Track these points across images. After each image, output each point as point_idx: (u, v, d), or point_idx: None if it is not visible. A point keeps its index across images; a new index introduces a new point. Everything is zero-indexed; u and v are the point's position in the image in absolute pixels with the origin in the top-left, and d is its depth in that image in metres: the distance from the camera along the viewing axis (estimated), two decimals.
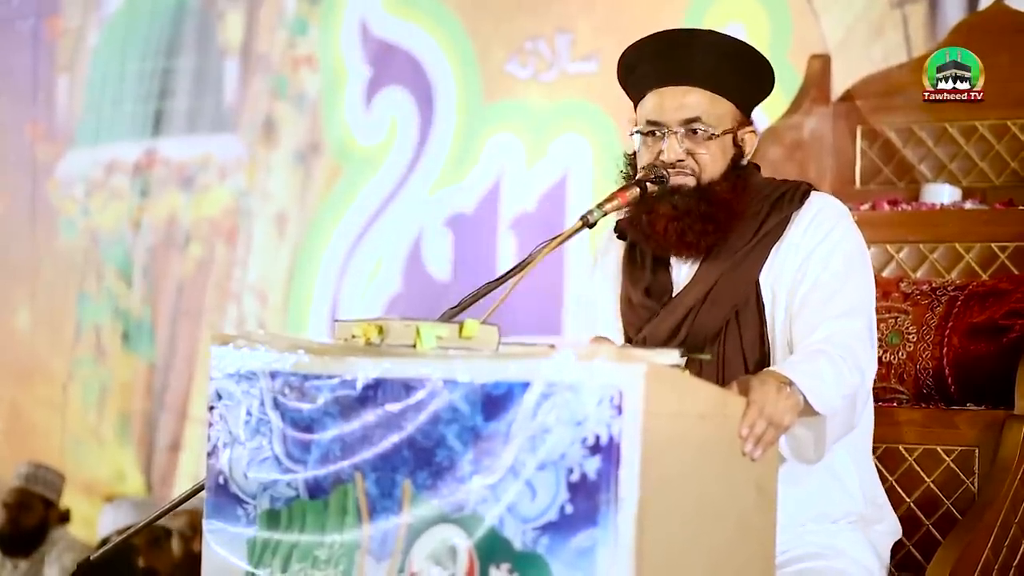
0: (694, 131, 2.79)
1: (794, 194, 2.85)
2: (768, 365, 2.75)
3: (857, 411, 2.68)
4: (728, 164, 2.81)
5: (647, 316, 2.86)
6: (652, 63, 2.83)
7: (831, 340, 2.66)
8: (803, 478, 2.72)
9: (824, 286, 2.75)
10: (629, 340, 2.91)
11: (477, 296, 2.79)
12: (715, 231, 2.80)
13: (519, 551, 2.19)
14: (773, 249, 2.81)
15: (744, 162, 2.85)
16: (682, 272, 2.87)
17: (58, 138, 7.52)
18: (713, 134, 2.79)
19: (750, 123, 2.87)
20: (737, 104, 2.82)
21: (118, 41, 7.31)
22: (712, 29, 2.90)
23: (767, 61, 2.87)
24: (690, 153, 2.79)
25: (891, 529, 2.92)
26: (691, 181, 2.80)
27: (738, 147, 2.83)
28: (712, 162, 2.80)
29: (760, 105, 2.93)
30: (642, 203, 2.82)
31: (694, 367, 2.76)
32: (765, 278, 2.81)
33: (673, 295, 2.86)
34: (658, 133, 2.81)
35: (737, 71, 2.81)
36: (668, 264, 2.89)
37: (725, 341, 2.80)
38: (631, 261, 2.95)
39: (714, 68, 2.79)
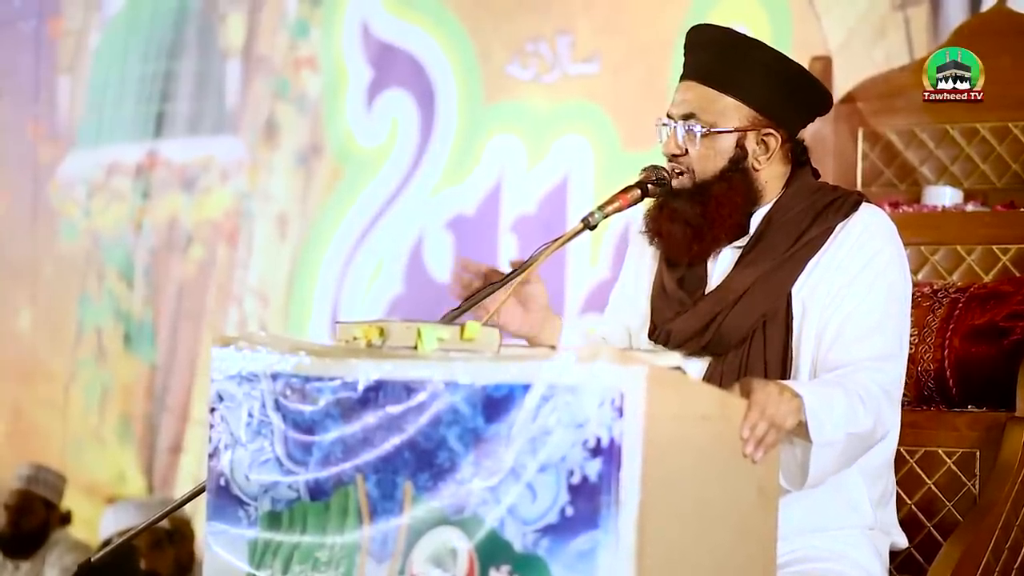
0: (689, 127, 2.78)
1: (842, 204, 2.79)
2: (788, 379, 2.69)
3: (856, 455, 2.64)
4: (726, 164, 2.78)
5: (676, 309, 2.82)
6: (685, 56, 2.84)
7: (856, 379, 2.61)
8: (809, 491, 2.66)
9: (863, 318, 2.69)
10: (654, 329, 2.85)
11: (478, 298, 2.80)
12: (704, 236, 2.78)
13: (519, 553, 2.19)
14: (812, 262, 2.75)
15: (757, 164, 2.78)
16: (719, 267, 2.83)
17: (59, 139, 7.52)
18: (706, 132, 2.76)
19: (771, 125, 2.78)
20: (753, 105, 2.77)
21: (120, 42, 7.31)
22: (728, 27, 2.86)
23: (787, 59, 2.80)
24: (687, 149, 2.79)
25: (894, 542, 2.90)
26: (688, 182, 2.79)
27: (741, 148, 2.78)
28: (701, 160, 2.77)
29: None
30: (650, 206, 2.82)
31: (716, 375, 2.75)
32: (798, 291, 2.75)
33: (707, 290, 2.81)
34: (667, 125, 2.81)
35: (751, 69, 2.76)
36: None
37: (749, 349, 2.75)
38: None
39: (717, 64, 2.76)
